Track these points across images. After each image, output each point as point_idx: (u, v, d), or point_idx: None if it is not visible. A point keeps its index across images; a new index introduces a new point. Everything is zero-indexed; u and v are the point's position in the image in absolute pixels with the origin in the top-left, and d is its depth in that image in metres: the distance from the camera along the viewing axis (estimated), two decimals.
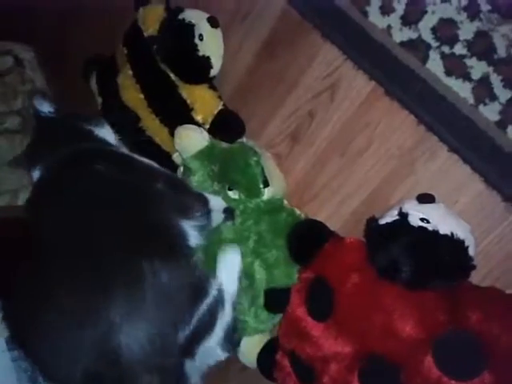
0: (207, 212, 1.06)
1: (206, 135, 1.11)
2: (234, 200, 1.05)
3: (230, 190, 1.05)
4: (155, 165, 1.10)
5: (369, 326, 0.80)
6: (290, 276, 0.98)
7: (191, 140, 1.09)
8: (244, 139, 1.14)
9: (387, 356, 0.78)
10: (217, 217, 1.08)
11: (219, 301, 0.97)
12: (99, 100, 1.42)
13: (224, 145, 1.12)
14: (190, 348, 0.94)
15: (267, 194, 1.04)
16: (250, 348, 1.05)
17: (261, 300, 1.02)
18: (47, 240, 0.93)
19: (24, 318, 0.91)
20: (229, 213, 1.08)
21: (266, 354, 1.02)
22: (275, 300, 1.00)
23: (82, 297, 0.86)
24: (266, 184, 1.04)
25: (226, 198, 1.07)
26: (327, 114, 1.03)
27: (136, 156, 1.10)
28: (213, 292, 0.96)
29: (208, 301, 0.94)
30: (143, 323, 0.86)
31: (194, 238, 1.00)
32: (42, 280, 0.89)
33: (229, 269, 1.01)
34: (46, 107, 1.12)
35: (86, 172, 1.00)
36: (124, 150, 1.14)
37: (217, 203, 1.08)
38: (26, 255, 0.94)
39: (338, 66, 1.00)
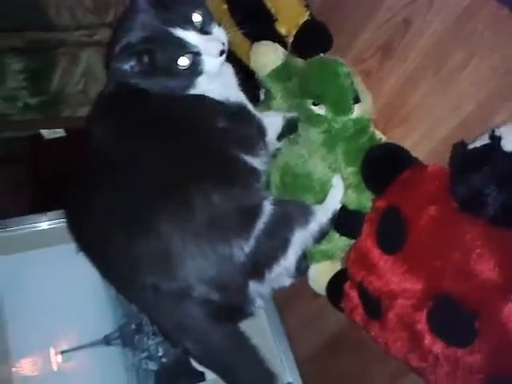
0: (264, 140, 1.02)
1: (280, 52, 1.03)
2: (319, 116, 0.95)
3: (314, 104, 0.95)
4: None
5: (443, 264, 0.71)
6: (361, 202, 0.91)
7: (265, 57, 1.02)
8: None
9: (461, 299, 0.69)
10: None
11: (285, 222, 0.93)
12: None
13: (301, 62, 1.02)
14: (258, 270, 0.92)
15: (357, 111, 0.93)
16: (320, 275, 1.01)
17: None
18: (104, 153, 0.94)
19: (82, 227, 0.95)
20: (287, 130, 1.02)
21: (336, 283, 0.98)
22: (347, 221, 0.94)
23: (131, 210, 0.87)
24: (357, 100, 0.93)
25: (309, 115, 0.97)
26: (424, 21, 0.89)
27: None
28: (267, 211, 0.91)
29: (263, 220, 0.90)
30: (194, 238, 0.85)
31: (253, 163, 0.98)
32: (93, 189, 0.92)
33: (329, 201, 0.98)
34: None
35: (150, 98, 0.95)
36: None
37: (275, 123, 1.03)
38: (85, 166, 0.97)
39: None
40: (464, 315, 0.68)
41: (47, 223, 1.22)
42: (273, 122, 1.04)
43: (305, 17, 1.06)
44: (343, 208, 0.94)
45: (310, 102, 0.96)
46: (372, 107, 0.98)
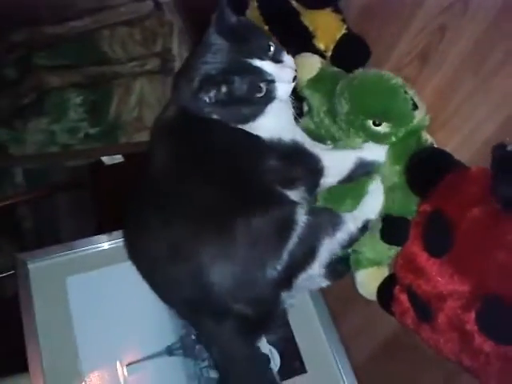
0: (316, 182, 1.02)
1: (317, 62, 1.06)
2: (383, 135, 0.95)
3: (375, 124, 0.95)
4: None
5: (488, 264, 0.72)
6: (407, 206, 0.92)
7: (302, 68, 1.05)
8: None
9: (508, 298, 0.69)
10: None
11: (314, 232, 0.96)
12: None
13: (338, 71, 1.05)
14: (286, 281, 0.97)
15: (418, 116, 0.93)
16: (368, 280, 1.02)
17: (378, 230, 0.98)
18: (157, 174, 1.01)
19: (132, 246, 1.04)
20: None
21: (386, 288, 0.99)
22: (392, 229, 0.95)
23: (177, 237, 0.94)
24: (416, 106, 0.93)
25: (372, 135, 0.97)
26: (460, 27, 0.90)
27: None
28: (300, 223, 0.95)
29: (297, 232, 0.94)
30: (230, 265, 0.92)
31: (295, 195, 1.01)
32: (145, 213, 1.00)
33: (362, 209, 1.00)
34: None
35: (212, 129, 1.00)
36: None
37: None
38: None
39: None
40: (510, 313, 0.68)
41: (111, 243, 1.31)
42: (340, 162, 1.03)
43: (342, 31, 1.09)
44: (388, 217, 0.95)
45: (370, 122, 0.96)
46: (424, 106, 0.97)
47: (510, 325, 0.70)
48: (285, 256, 0.94)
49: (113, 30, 1.44)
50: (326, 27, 1.11)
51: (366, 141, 1.00)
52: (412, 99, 0.93)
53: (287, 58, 1.01)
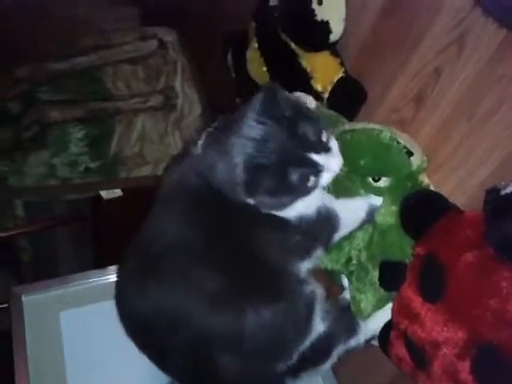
0: (332, 238, 1.01)
1: (311, 101, 1.07)
2: (385, 188, 0.95)
3: (375, 180, 0.95)
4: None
5: (481, 312, 0.70)
6: (403, 248, 0.91)
7: None
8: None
9: (502, 347, 0.67)
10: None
11: (332, 338, 0.98)
12: (233, 75, 1.47)
13: (330, 111, 1.06)
14: (295, 372, 0.97)
15: (415, 162, 0.93)
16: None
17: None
18: (168, 240, 0.94)
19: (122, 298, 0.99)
20: None
21: (387, 332, 0.97)
22: (391, 276, 0.94)
23: (185, 310, 0.90)
24: (411, 153, 0.93)
25: (373, 190, 0.97)
26: (454, 70, 0.91)
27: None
28: (319, 329, 0.95)
29: (312, 337, 0.95)
30: (239, 353, 0.90)
31: (307, 265, 0.99)
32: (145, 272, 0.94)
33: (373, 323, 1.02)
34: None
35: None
36: None
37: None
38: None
39: (465, 16, 0.87)
40: (506, 363, 0.66)
41: (106, 278, 1.30)
42: (354, 213, 1.01)
43: (339, 74, 1.11)
44: (385, 263, 0.95)
45: (369, 178, 0.96)
46: (419, 148, 0.98)
47: (505, 375, 0.68)
48: (295, 355, 0.93)
49: (116, 67, 1.47)
50: (324, 70, 1.13)
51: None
52: (405, 147, 0.93)
53: (334, 144, 0.91)
